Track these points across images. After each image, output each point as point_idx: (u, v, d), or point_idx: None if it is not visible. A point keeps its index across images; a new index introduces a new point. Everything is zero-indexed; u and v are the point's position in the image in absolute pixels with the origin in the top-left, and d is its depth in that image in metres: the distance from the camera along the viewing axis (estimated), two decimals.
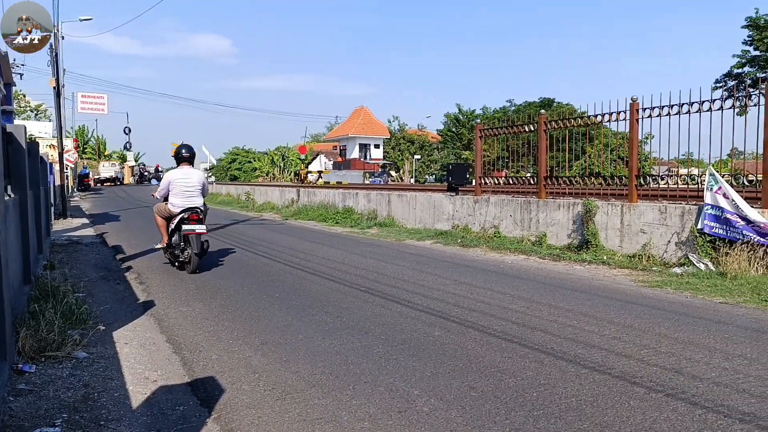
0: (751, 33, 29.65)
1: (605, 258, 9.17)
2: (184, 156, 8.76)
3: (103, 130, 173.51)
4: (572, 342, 4.89)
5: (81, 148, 58.99)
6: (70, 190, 31.82)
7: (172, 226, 8.51)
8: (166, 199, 8.67)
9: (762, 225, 7.46)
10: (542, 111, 11.92)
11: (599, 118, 10.27)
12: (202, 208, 8.61)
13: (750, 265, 7.30)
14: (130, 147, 66.57)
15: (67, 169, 26.65)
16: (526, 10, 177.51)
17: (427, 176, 53.78)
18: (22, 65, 26.19)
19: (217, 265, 9.26)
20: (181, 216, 8.39)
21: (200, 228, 8.31)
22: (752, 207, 7.71)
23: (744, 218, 7.65)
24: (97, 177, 56.43)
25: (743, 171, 9.04)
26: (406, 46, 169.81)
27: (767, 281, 6.92)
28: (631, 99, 9.56)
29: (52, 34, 21.49)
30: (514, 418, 3.38)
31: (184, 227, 8.31)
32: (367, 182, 42.58)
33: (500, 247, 10.88)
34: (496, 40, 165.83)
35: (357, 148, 60.14)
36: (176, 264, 8.69)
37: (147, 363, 4.47)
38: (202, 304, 6.55)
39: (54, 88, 20.46)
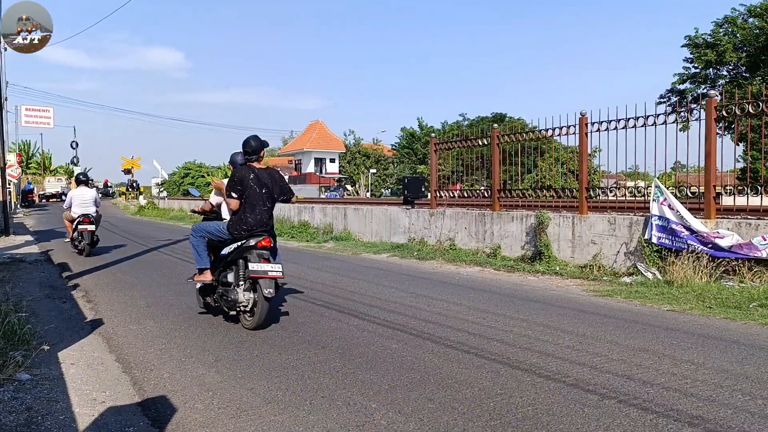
0: (691, 51, 30.98)
1: (558, 269, 9.36)
2: (82, 180, 13.06)
3: (49, 145, 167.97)
4: (528, 351, 4.96)
5: (25, 163, 56.84)
6: (13, 207, 30.59)
7: (74, 224, 12.31)
8: (69, 207, 12.52)
9: (705, 234, 7.75)
10: (495, 125, 12.14)
11: (550, 132, 10.53)
12: (94, 215, 12.48)
13: (695, 273, 7.57)
14: (78, 162, 64.52)
15: (9, 184, 25.63)
16: (477, 24, 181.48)
17: (383, 190, 53.99)
18: None
19: (170, 282, 9.04)
20: (78, 219, 12.27)
21: (90, 227, 12.23)
22: (695, 217, 8.02)
23: (688, 228, 7.94)
24: (42, 193, 54.43)
25: (686, 183, 9.40)
26: (359, 61, 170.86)
27: (711, 288, 7.18)
28: (581, 113, 9.85)
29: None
30: (471, 428, 3.39)
31: (80, 227, 12.26)
32: (323, 196, 42.43)
33: (456, 259, 10.97)
34: (448, 55, 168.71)
35: (312, 162, 59.97)
36: (77, 251, 12.63)
37: (95, 383, 4.30)
38: (153, 321, 6.36)
39: None
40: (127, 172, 54.33)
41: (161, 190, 51.39)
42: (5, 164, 20.95)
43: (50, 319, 6.41)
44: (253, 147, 5.89)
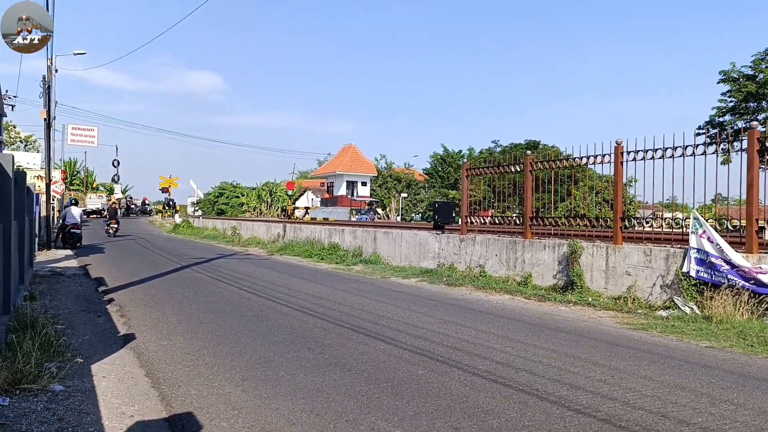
0: (730, 86, 30.28)
1: (590, 299, 9.17)
2: (72, 203, 21.73)
3: (92, 163, 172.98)
4: (557, 383, 4.85)
5: (69, 180, 58.63)
6: (55, 222, 31.51)
7: (67, 229, 20.49)
8: (64, 219, 20.52)
9: (746, 269, 7.52)
10: (528, 152, 12.08)
11: (584, 160, 10.41)
12: (79, 222, 20.48)
13: (735, 309, 7.32)
14: (118, 179, 66.32)
15: (53, 200, 26.56)
16: (511, 51, 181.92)
17: (413, 214, 53.94)
18: (14, 96, 26.49)
19: (200, 300, 9.15)
20: (70, 225, 20.07)
21: (77, 231, 20.19)
22: (737, 251, 7.79)
23: (728, 262, 7.71)
24: (83, 209, 55.91)
25: (727, 216, 9.16)
26: (394, 86, 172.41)
27: (753, 326, 6.94)
28: (616, 142, 9.72)
29: (46, 67, 21.67)
30: None
31: (71, 230, 20.03)
32: (353, 219, 42.61)
33: (486, 286, 10.86)
34: (482, 81, 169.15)
35: (344, 185, 60.34)
36: (67, 246, 19.84)
37: (124, 397, 4.36)
38: (183, 338, 6.44)
39: (45, 119, 20.48)
40: (165, 190, 55.58)
41: (196, 209, 52.32)
42: (50, 180, 21.72)
43: (85, 332, 6.55)
44: (112, 201, 40.30)
